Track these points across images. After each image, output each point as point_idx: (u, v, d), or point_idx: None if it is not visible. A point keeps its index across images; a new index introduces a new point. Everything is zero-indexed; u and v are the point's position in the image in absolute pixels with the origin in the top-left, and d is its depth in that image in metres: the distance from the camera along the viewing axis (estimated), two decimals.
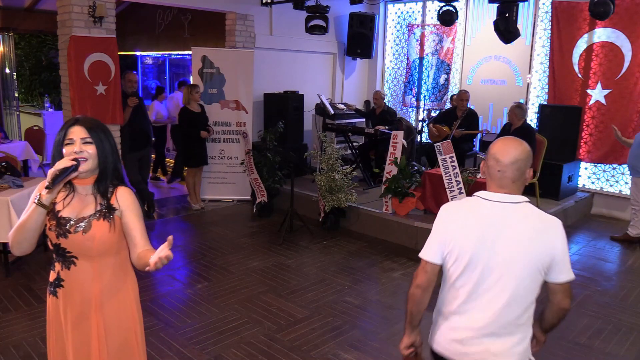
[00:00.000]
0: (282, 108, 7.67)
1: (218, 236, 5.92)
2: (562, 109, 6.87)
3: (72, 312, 2.05)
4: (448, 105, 8.04)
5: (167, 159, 9.07)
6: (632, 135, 6.55)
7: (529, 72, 7.47)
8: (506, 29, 5.69)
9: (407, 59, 8.91)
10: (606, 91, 6.75)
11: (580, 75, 6.94)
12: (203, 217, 6.69)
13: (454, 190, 5.14)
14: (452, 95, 8.01)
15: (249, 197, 7.27)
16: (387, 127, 7.34)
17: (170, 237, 1.72)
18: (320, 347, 3.59)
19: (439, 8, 6.47)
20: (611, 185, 7.05)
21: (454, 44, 8.18)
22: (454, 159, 5.18)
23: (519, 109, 6.19)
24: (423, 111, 8.74)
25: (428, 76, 8.61)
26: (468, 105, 7.31)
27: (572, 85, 7.00)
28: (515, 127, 6.20)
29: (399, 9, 9.05)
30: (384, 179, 5.95)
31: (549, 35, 7.15)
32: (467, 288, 1.86)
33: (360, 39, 8.64)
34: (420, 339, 2.03)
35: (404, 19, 8.99)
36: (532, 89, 7.51)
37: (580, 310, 4.26)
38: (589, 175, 7.23)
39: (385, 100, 8.11)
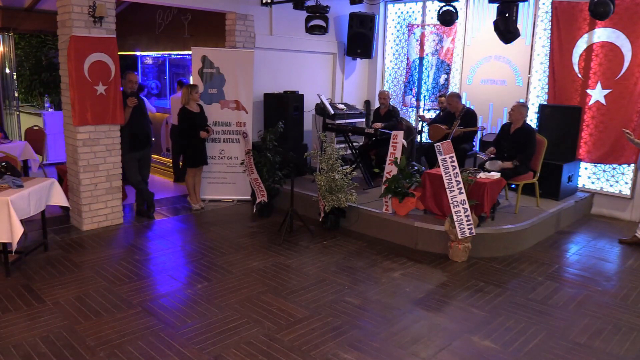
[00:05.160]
0: (282, 108, 7.67)
1: (218, 236, 5.92)
2: (562, 109, 6.87)
3: None
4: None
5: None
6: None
7: (529, 72, 7.46)
8: (506, 29, 5.69)
9: (407, 59, 8.91)
10: (606, 91, 6.75)
11: (580, 75, 6.94)
12: (203, 217, 6.69)
13: (454, 190, 5.13)
14: (439, 96, 7.94)
15: (249, 197, 7.27)
16: (383, 124, 7.36)
17: None
18: (320, 347, 3.59)
19: (439, 8, 6.46)
20: (611, 185, 7.05)
21: (454, 44, 8.18)
22: (454, 159, 5.18)
23: (524, 108, 6.19)
24: (423, 111, 8.74)
25: (428, 76, 8.61)
26: (467, 105, 7.31)
27: (572, 85, 7.00)
28: (516, 127, 6.19)
29: (399, 9, 9.05)
30: (384, 179, 5.95)
31: (549, 35, 7.15)
32: None
33: (360, 39, 8.63)
34: None
35: (404, 19, 8.99)
36: (532, 89, 7.51)
37: (580, 310, 4.26)
38: (589, 175, 7.23)
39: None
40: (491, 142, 6.59)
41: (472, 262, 5.29)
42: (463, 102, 7.31)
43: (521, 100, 7.26)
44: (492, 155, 6.25)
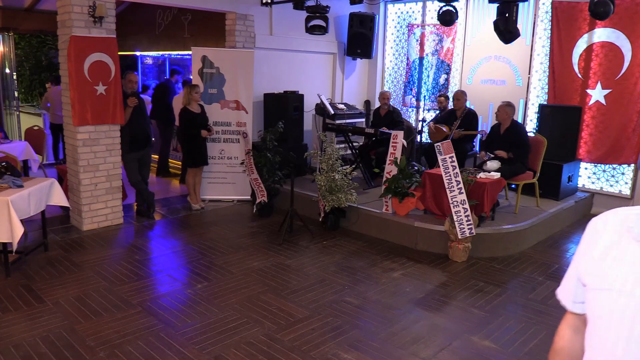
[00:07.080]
0: (282, 108, 7.67)
1: (218, 236, 5.92)
2: (562, 109, 6.87)
3: None
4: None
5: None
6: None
7: (529, 72, 7.46)
8: (506, 29, 5.69)
9: (407, 59, 8.90)
10: (606, 91, 6.75)
11: (580, 75, 6.94)
12: (203, 217, 6.69)
13: (453, 190, 5.13)
14: (439, 96, 7.86)
15: (249, 197, 7.26)
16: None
17: None
18: (320, 347, 3.59)
19: (439, 8, 6.46)
20: (611, 185, 7.05)
21: (454, 44, 8.18)
22: (454, 159, 5.17)
23: (510, 107, 6.17)
24: (423, 111, 8.74)
25: (428, 76, 8.61)
26: (468, 105, 7.31)
27: (572, 85, 7.00)
28: (505, 127, 6.19)
29: (399, 9, 9.04)
30: (384, 179, 5.95)
31: (549, 35, 7.15)
32: None
33: (360, 39, 8.63)
34: None
35: (404, 19, 8.99)
36: (532, 89, 7.50)
37: None
38: (589, 175, 7.23)
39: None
40: (481, 145, 6.55)
41: (472, 262, 5.28)
42: None
43: (521, 101, 7.27)
44: (485, 159, 6.22)
